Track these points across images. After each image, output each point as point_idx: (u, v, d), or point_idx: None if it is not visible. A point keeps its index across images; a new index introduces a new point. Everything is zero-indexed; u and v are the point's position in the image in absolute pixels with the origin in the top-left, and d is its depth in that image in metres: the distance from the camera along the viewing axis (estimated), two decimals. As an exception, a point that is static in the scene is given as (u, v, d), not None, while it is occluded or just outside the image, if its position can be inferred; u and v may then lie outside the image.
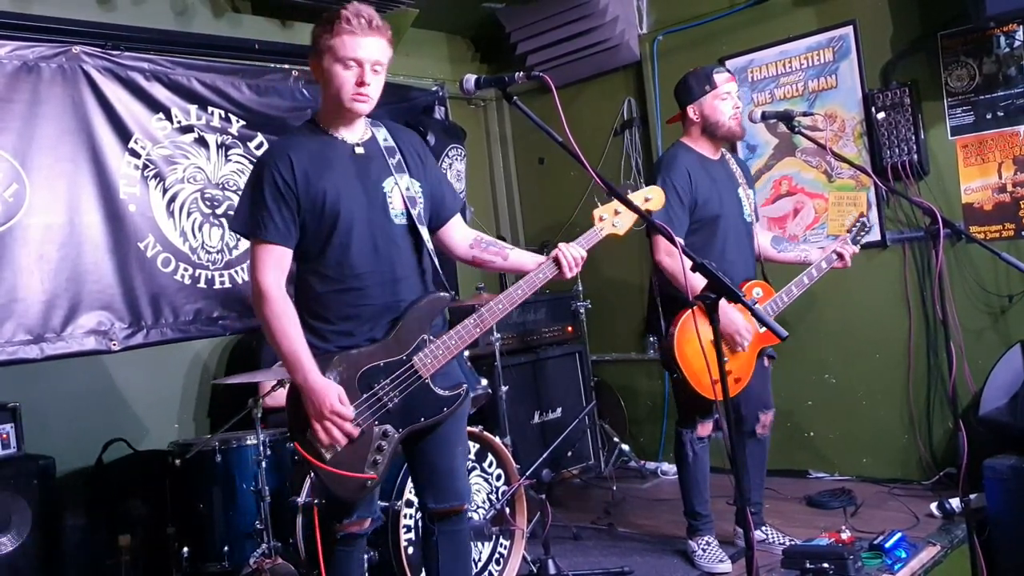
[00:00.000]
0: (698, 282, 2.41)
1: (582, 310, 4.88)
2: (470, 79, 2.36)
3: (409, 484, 2.90)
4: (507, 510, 3.22)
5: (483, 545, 3.19)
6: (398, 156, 2.40)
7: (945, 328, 3.52)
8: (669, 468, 4.77)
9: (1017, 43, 3.79)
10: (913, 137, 4.00)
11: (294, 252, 2.29)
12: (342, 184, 2.28)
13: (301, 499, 3.04)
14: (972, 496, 3.25)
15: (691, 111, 3.31)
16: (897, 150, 4.05)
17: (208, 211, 3.94)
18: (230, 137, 4.03)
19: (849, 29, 4.25)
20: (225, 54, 4.25)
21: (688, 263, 2.05)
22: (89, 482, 3.65)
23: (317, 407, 2.20)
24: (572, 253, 2.39)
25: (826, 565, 2.89)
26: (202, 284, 3.90)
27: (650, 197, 2.53)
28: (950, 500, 3.57)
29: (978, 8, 3.57)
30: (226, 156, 4.02)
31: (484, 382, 3.46)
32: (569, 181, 5.28)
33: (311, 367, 2.21)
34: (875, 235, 4.17)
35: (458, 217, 2.56)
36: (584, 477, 4.74)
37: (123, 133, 3.67)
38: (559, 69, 5.07)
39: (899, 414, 4.19)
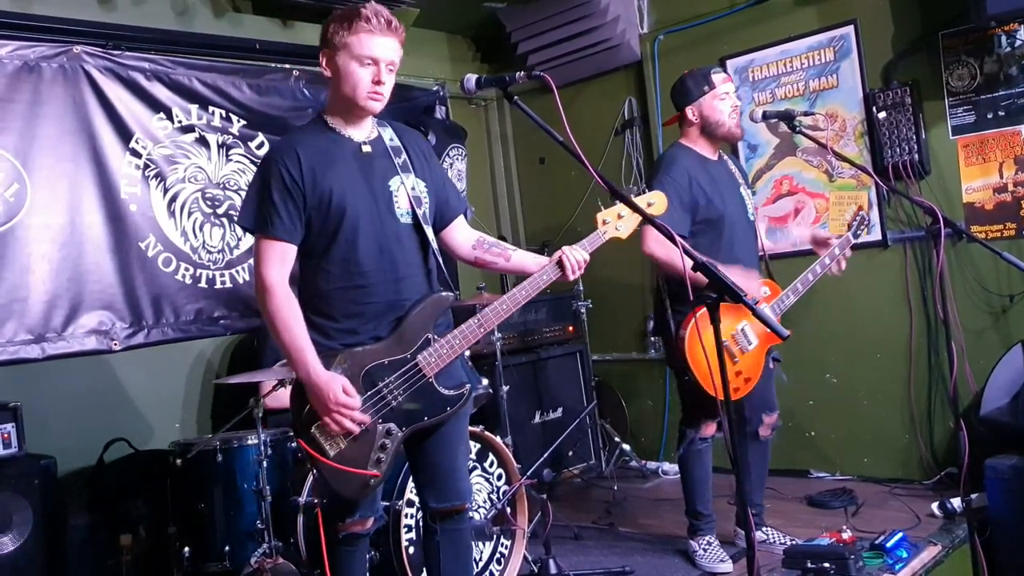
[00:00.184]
0: (701, 279, 2.40)
1: (583, 310, 4.88)
2: (471, 79, 2.36)
3: (410, 484, 2.90)
4: (508, 510, 3.22)
5: (484, 545, 3.19)
6: (404, 156, 2.40)
7: (946, 328, 3.52)
8: (670, 468, 4.77)
9: (1018, 42, 3.79)
10: (914, 137, 4.00)
11: (298, 249, 2.29)
12: (348, 182, 2.29)
13: (302, 499, 3.04)
14: (973, 496, 3.25)
15: (690, 112, 3.30)
16: (898, 150, 4.04)
17: (209, 211, 3.94)
18: (231, 137, 4.03)
19: (850, 29, 4.25)
20: (226, 54, 4.25)
21: (689, 263, 2.04)
22: (90, 482, 3.65)
23: (322, 400, 2.20)
24: (576, 256, 2.39)
25: (827, 565, 2.89)
26: (203, 284, 3.90)
27: (652, 202, 2.52)
28: (951, 500, 3.57)
29: (979, 7, 3.57)
30: (227, 156, 4.02)
31: (485, 382, 3.46)
32: (570, 181, 5.28)
33: (315, 362, 2.22)
34: (876, 235, 4.17)
35: (461, 218, 2.56)
36: (585, 477, 4.74)
37: (124, 133, 3.67)
38: (560, 69, 5.07)
39: (900, 414, 4.19)
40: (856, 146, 4.26)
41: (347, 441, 2.25)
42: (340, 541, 2.45)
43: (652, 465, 4.92)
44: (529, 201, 5.76)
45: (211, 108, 3.97)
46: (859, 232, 3.39)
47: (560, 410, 4.73)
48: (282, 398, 3.22)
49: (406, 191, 2.36)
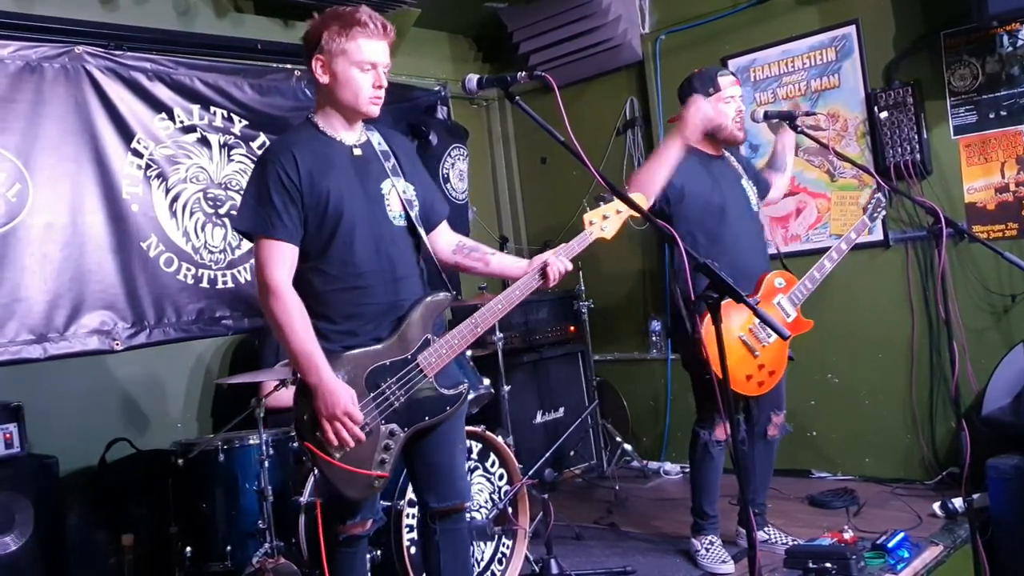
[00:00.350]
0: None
1: (584, 310, 4.88)
2: (472, 79, 2.36)
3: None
4: (509, 510, 3.22)
5: (486, 545, 3.18)
6: (393, 160, 2.42)
7: (948, 328, 3.53)
8: (672, 468, 4.77)
9: (1020, 42, 3.78)
10: (916, 136, 4.00)
11: None
12: (344, 184, 2.29)
13: (304, 499, 3.04)
14: (975, 496, 3.25)
15: None
16: (900, 149, 4.04)
17: (211, 211, 3.94)
18: (233, 137, 4.03)
19: (852, 28, 4.25)
20: (227, 54, 4.25)
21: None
22: (92, 481, 3.65)
23: (330, 408, 2.19)
24: (559, 267, 2.42)
25: (829, 565, 2.89)
26: (205, 284, 3.90)
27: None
28: (953, 500, 3.57)
29: (981, 7, 3.56)
30: (229, 156, 4.02)
31: (487, 382, 3.46)
32: (571, 181, 5.27)
33: (325, 366, 2.20)
34: (878, 235, 4.17)
35: (444, 223, 2.57)
36: (586, 477, 4.74)
37: (126, 133, 3.67)
38: (561, 69, 5.07)
39: (902, 414, 4.19)
40: (858, 146, 4.26)
41: (351, 442, 2.25)
42: (340, 543, 2.44)
43: (654, 465, 4.91)
44: (530, 201, 5.77)
45: (213, 108, 3.97)
46: (875, 215, 3.37)
47: (562, 410, 4.73)
48: (282, 398, 3.23)
49: (397, 194, 2.37)
